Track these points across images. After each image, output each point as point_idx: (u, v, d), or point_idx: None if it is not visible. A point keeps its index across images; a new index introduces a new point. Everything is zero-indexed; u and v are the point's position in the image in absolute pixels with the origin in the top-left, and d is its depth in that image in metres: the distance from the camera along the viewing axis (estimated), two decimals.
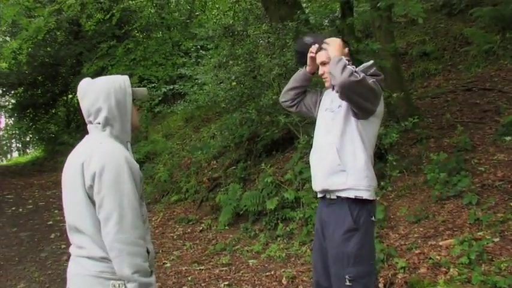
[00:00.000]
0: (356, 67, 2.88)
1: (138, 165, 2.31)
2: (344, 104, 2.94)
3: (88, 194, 2.19)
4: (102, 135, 2.31)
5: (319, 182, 3.08)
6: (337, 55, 2.93)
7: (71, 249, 2.34)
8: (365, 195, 2.91)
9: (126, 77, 2.41)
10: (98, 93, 2.29)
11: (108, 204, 2.14)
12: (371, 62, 3.06)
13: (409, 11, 5.62)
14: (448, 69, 8.94)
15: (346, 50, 3.07)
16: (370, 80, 2.81)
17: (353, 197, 2.90)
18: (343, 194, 2.93)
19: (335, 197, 2.98)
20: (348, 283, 2.84)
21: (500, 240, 4.47)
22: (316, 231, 3.24)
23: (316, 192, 3.22)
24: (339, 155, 2.93)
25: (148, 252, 2.26)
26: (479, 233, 4.66)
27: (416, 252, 4.77)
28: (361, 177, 2.91)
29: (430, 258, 4.56)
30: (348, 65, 2.78)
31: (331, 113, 3.06)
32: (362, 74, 2.77)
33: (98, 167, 2.15)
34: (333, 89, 3.03)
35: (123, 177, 2.17)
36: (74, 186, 2.22)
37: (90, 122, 2.35)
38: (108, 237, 2.13)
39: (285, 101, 3.47)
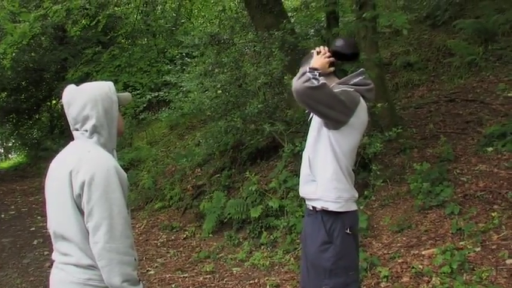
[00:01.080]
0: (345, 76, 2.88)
1: (125, 174, 2.29)
2: None
3: (76, 203, 2.17)
4: (89, 143, 2.28)
5: (299, 188, 3.13)
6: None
7: (55, 256, 2.32)
8: (332, 207, 2.85)
9: (111, 84, 2.39)
10: (86, 101, 2.26)
11: (97, 213, 2.12)
12: (359, 70, 3.01)
13: (393, 21, 5.73)
14: (431, 80, 9.02)
15: (331, 69, 2.98)
16: (340, 89, 2.78)
17: (320, 207, 2.89)
18: (314, 204, 2.94)
19: (311, 207, 2.99)
20: None
21: (482, 249, 4.53)
22: (301, 237, 3.26)
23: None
24: (310, 165, 2.95)
25: (135, 260, 2.25)
26: (461, 243, 4.71)
27: (399, 261, 4.81)
28: (329, 188, 2.86)
29: (413, 267, 4.60)
30: (310, 72, 2.72)
31: (313, 121, 3.06)
32: (321, 82, 2.69)
33: (87, 176, 2.13)
34: None
35: (112, 186, 2.16)
36: (60, 194, 2.20)
37: (76, 130, 2.32)
38: (97, 246, 2.12)
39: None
